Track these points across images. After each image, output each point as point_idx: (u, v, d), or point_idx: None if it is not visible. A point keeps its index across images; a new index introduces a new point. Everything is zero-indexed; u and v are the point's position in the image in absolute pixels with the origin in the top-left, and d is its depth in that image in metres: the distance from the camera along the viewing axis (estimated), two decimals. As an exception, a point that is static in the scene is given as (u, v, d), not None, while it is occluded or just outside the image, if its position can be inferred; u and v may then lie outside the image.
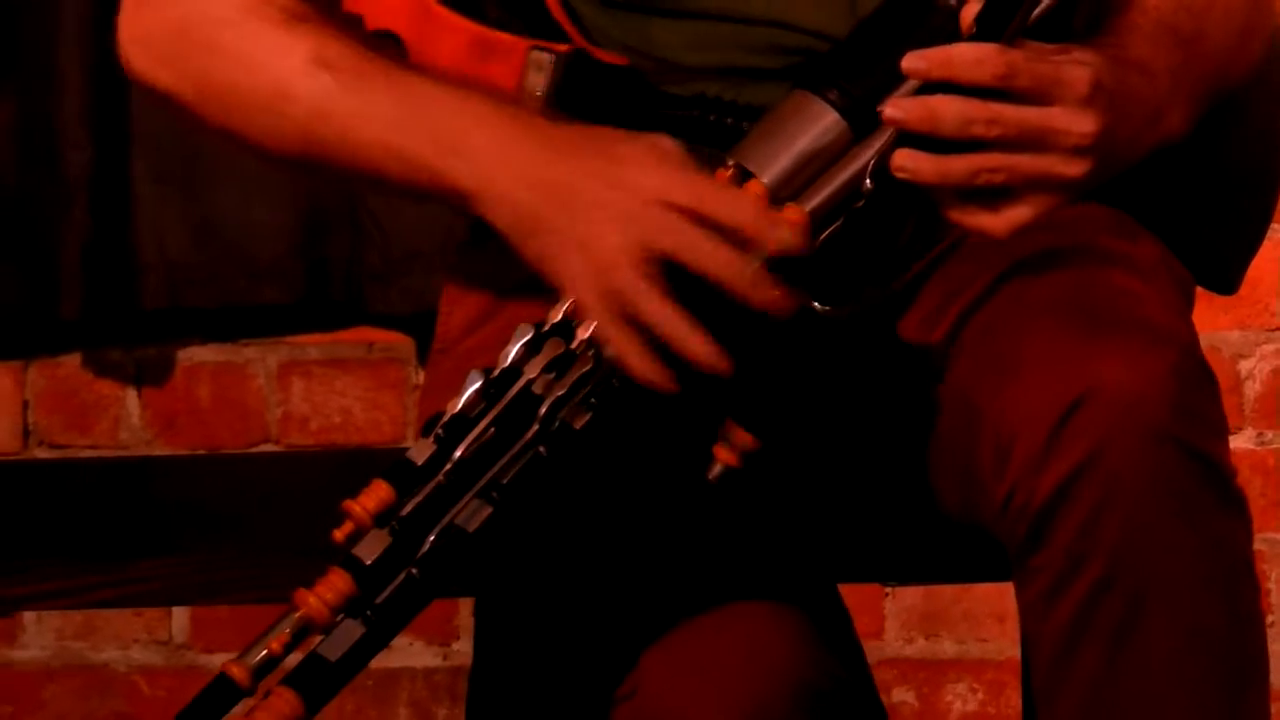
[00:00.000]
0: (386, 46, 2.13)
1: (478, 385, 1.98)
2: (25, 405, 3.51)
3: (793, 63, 2.14)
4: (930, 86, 1.98)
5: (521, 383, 1.99)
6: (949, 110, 1.97)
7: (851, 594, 3.14)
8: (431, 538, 1.95)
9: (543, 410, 1.98)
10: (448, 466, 1.97)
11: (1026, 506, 1.96)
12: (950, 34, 2.01)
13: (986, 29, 1.99)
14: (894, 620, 3.55)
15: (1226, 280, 2.35)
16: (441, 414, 1.96)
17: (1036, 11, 2.01)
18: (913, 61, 1.98)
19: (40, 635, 3.50)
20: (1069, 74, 1.99)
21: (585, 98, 2.15)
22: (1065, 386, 1.97)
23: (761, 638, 2.02)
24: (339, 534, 1.92)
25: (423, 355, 3.32)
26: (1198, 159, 2.28)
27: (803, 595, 2.08)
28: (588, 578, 2.07)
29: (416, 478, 1.96)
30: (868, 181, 1.99)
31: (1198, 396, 2.00)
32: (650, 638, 2.02)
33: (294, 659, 1.92)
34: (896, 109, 1.96)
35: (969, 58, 1.97)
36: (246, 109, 2.09)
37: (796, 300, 1.96)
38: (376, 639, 1.94)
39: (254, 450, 3.48)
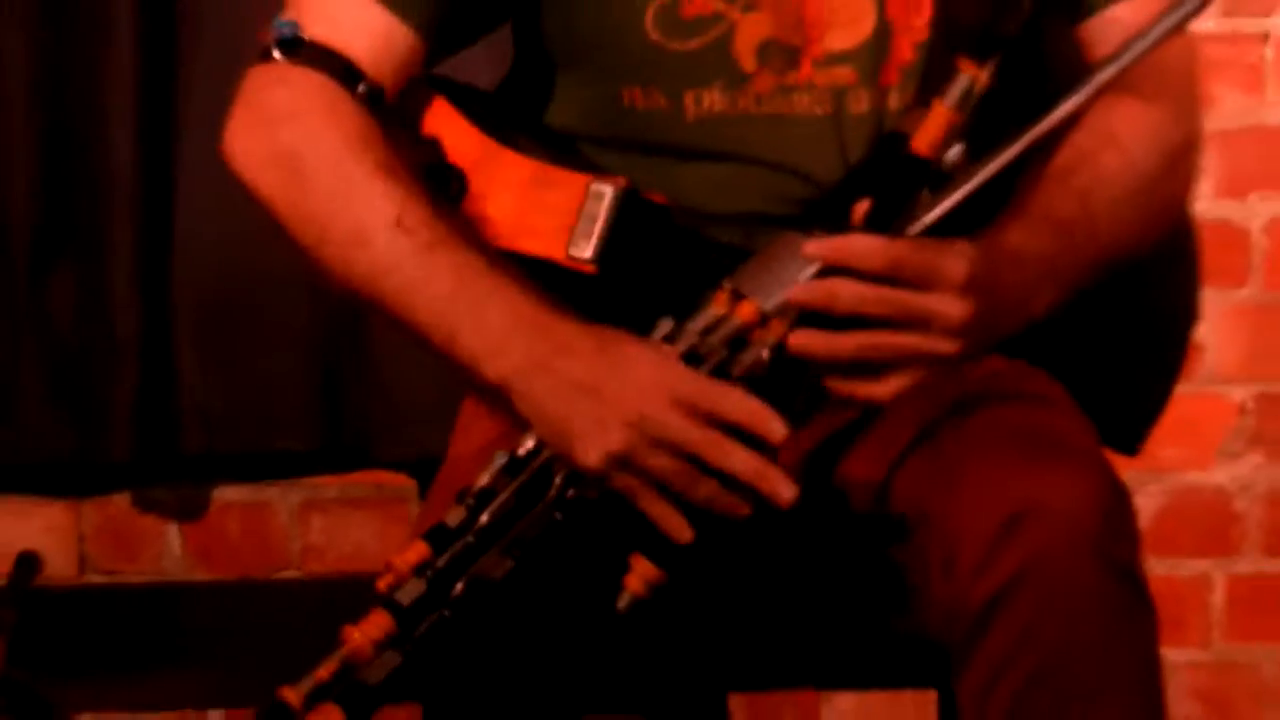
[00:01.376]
0: (447, 187, 2.22)
1: (502, 462, 2.07)
2: (80, 538, 3.53)
3: (793, 211, 2.21)
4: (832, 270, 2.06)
5: (541, 459, 2.08)
6: (845, 292, 2.05)
7: (789, 698, 3.42)
8: (460, 585, 2.04)
9: (558, 481, 2.07)
10: (476, 528, 2.06)
11: (970, 605, 2.03)
12: (922, 183, 2.11)
13: (877, 222, 2.10)
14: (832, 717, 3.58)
15: (1132, 439, 2.42)
16: (470, 486, 2.06)
17: (930, 218, 2.11)
18: (813, 249, 2.07)
19: None
20: (947, 265, 2.07)
21: (635, 229, 2.22)
22: (1006, 502, 2.03)
23: None
24: (382, 584, 2.03)
25: (423, 494, 3.16)
26: (1107, 326, 2.35)
27: (674, 710, 2.20)
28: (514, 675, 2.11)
29: (449, 538, 2.05)
30: (764, 353, 2.09)
31: (1120, 515, 2.07)
32: None
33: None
34: (801, 292, 2.06)
35: (861, 248, 2.06)
36: (326, 241, 2.15)
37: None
38: (412, 668, 2.04)
39: (278, 577, 3.50)
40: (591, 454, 2.05)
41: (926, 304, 2.06)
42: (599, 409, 2.06)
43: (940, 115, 2.09)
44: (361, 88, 2.20)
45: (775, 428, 2.05)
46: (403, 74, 2.23)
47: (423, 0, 2.23)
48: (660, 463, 2.05)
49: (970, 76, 2.09)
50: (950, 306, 2.07)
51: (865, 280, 2.06)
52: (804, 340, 2.07)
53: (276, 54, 2.22)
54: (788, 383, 2.10)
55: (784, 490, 2.04)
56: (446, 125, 2.28)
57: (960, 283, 2.07)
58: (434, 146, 2.27)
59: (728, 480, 2.05)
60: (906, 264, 2.06)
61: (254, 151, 2.21)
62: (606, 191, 2.21)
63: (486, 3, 2.29)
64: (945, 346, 2.08)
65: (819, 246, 2.07)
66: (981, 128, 2.12)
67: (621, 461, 2.05)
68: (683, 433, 2.05)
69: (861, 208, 2.10)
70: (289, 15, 2.23)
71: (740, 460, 2.04)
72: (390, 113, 2.22)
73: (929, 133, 2.09)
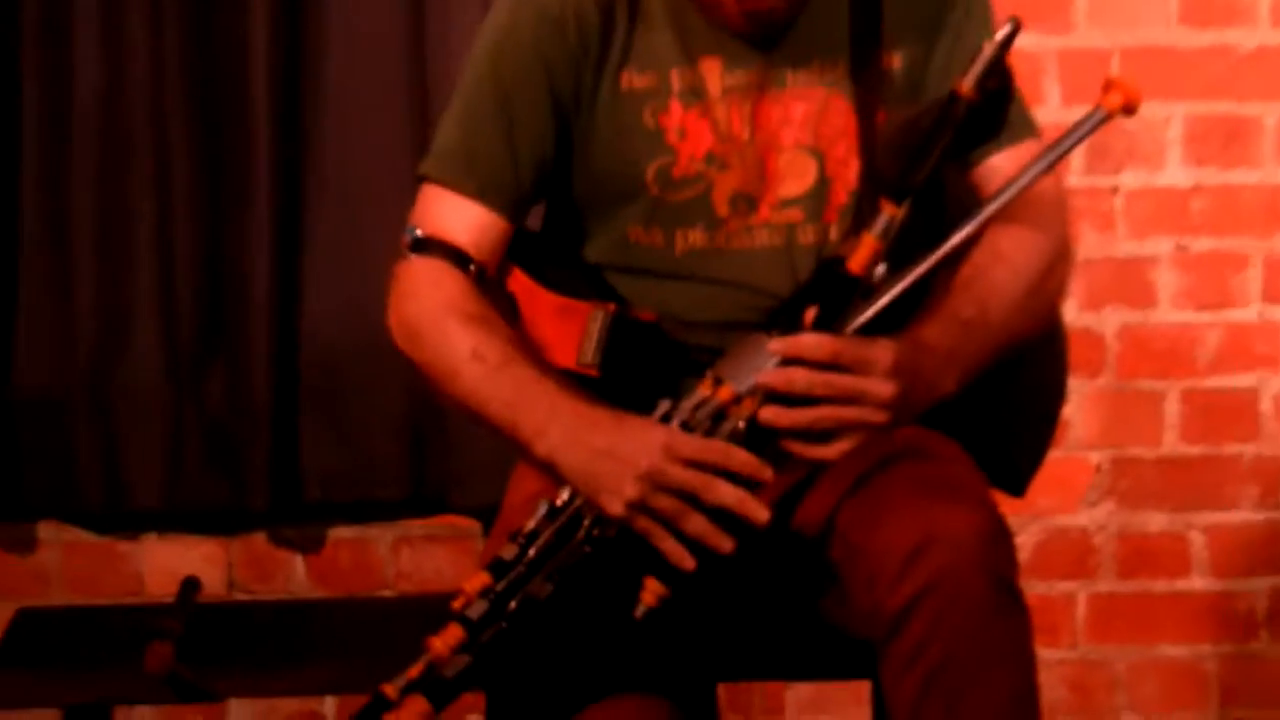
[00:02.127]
0: (513, 308, 2.26)
1: (545, 510, 2.09)
2: (229, 565, 3.49)
3: (756, 319, 2.19)
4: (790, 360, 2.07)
5: (574, 507, 2.08)
6: (799, 378, 2.06)
7: (760, 687, 3.36)
8: (514, 603, 2.06)
9: (586, 523, 2.07)
10: (525, 560, 2.07)
11: (887, 612, 2.04)
12: (856, 294, 2.08)
13: (822, 325, 2.08)
14: (792, 704, 3.49)
15: (1018, 488, 2.37)
16: (521, 528, 2.08)
17: (861, 320, 2.09)
18: (775, 346, 2.07)
19: (240, 716, 3.51)
20: (876, 355, 2.07)
21: (625, 345, 2.22)
22: (914, 535, 2.04)
23: (643, 714, 2.10)
24: (456, 604, 2.05)
25: (486, 532, 3.26)
26: (1000, 398, 2.28)
27: (678, 691, 2.14)
28: (551, 666, 2.11)
29: (505, 568, 2.07)
30: (740, 424, 2.07)
31: (1001, 541, 2.07)
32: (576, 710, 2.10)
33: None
34: (767, 378, 2.06)
35: (810, 344, 2.06)
36: (436, 375, 2.20)
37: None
38: (479, 667, 2.05)
39: (377, 595, 3.46)
40: (615, 504, 2.07)
41: (861, 385, 2.07)
42: (617, 468, 2.07)
43: (869, 244, 2.07)
44: (461, 260, 2.23)
45: (747, 463, 2.07)
46: (500, 246, 2.27)
47: (504, 191, 2.25)
48: (665, 503, 2.05)
49: (890, 214, 2.07)
50: (879, 387, 2.07)
51: (814, 368, 2.06)
52: (770, 414, 2.07)
53: (408, 252, 2.26)
54: (758, 446, 2.09)
55: (760, 513, 2.06)
56: (517, 282, 2.30)
57: (887, 369, 2.07)
58: (513, 300, 2.29)
59: (716, 515, 2.05)
60: (845, 355, 2.06)
61: (393, 324, 2.25)
62: (599, 316, 2.23)
63: (544, 180, 2.28)
64: (877, 417, 2.08)
65: (779, 344, 2.08)
66: (900, 249, 2.10)
67: (638, 506, 2.05)
68: (679, 477, 2.05)
69: (810, 314, 2.10)
70: (412, 221, 2.27)
71: (726, 493, 2.05)
72: (490, 281, 2.26)
73: (860, 257, 2.07)
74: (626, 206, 2.27)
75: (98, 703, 2.57)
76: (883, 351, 2.08)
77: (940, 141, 2.08)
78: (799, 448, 2.09)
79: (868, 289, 2.09)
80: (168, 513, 3.44)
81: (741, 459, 2.07)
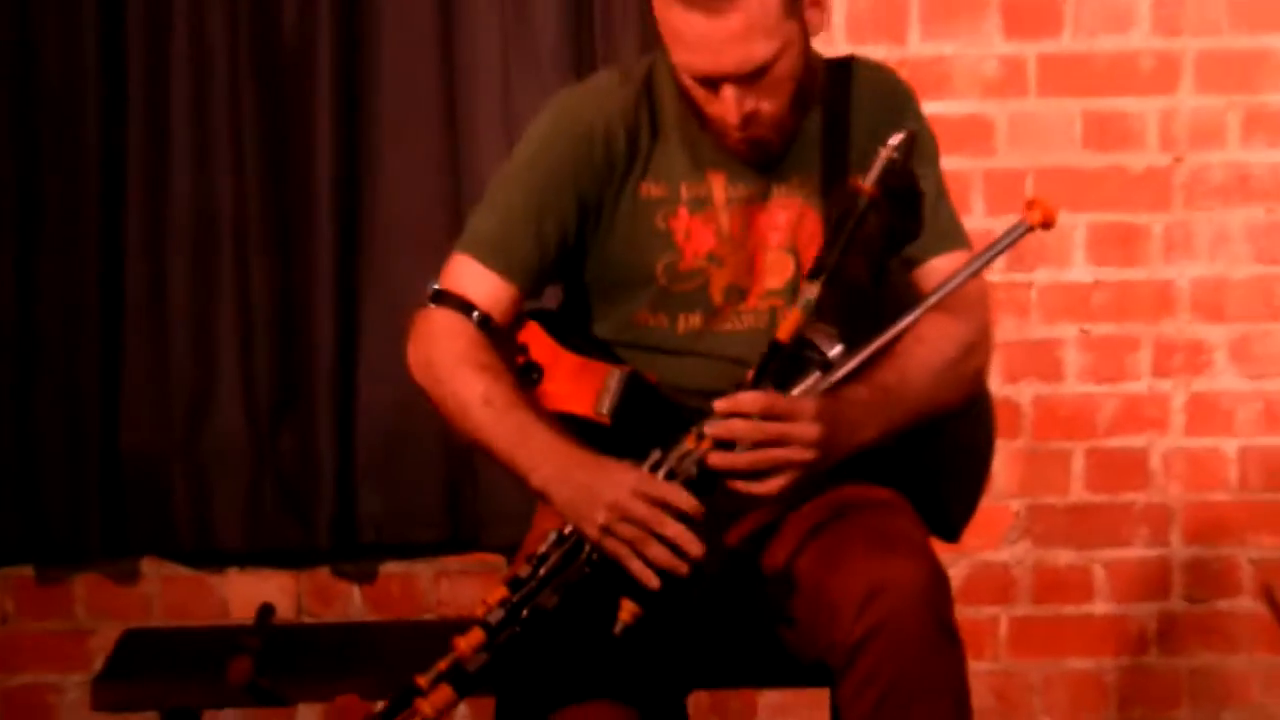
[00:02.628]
0: (531, 374, 2.22)
1: (553, 538, 2.08)
2: (299, 594, 3.47)
3: (730, 385, 2.11)
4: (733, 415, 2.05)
5: (575, 536, 2.07)
6: (739, 427, 2.05)
7: (735, 695, 3.26)
8: (526, 612, 2.05)
9: (586, 548, 2.06)
10: (536, 577, 2.06)
11: (845, 644, 2.04)
12: (815, 368, 2.06)
13: (759, 384, 2.06)
14: (764, 710, 3.45)
15: (953, 535, 2.35)
16: (534, 552, 2.08)
17: (823, 387, 2.07)
18: (719, 404, 2.05)
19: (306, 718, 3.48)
20: (802, 405, 2.05)
21: (636, 401, 2.19)
22: (868, 581, 2.03)
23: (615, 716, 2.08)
24: (479, 611, 2.06)
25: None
26: (938, 462, 2.27)
27: (645, 708, 2.10)
28: (547, 665, 2.09)
29: (519, 584, 2.07)
30: (694, 470, 2.06)
31: (940, 586, 2.07)
32: (558, 707, 2.08)
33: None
34: (712, 428, 2.05)
35: (745, 400, 2.05)
36: (450, 411, 2.17)
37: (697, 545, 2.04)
38: (496, 664, 2.05)
39: (421, 619, 3.43)
40: (590, 528, 2.06)
41: (788, 430, 2.05)
42: (591, 499, 2.06)
43: (793, 316, 2.06)
44: (476, 315, 2.20)
45: (690, 505, 2.04)
46: (510, 311, 2.24)
47: (528, 273, 2.23)
48: (627, 532, 2.04)
49: (807, 292, 2.06)
50: (805, 430, 2.05)
51: (751, 419, 2.05)
52: (716, 459, 2.06)
53: (429, 303, 2.25)
54: (709, 486, 2.07)
55: (694, 548, 2.03)
56: (534, 337, 2.27)
57: (811, 415, 2.05)
58: (525, 350, 2.25)
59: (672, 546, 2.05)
60: (776, 407, 2.05)
61: (414, 362, 2.24)
62: (616, 375, 2.21)
63: (556, 264, 2.26)
64: (805, 455, 2.06)
65: (722, 402, 2.07)
66: (855, 335, 2.10)
67: (605, 529, 2.05)
68: (637, 510, 2.04)
69: (749, 375, 2.09)
70: (437, 280, 2.25)
71: (670, 527, 2.04)
72: (499, 332, 2.23)
73: (785, 327, 2.07)
74: (637, 293, 2.26)
75: (190, 708, 2.56)
76: (807, 403, 2.06)
77: (845, 230, 2.06)
78: (742, 485, 2.07)
79: (825, 361, 2.08)
80: (248, 551, 3.44)
81: (687, 501, 2.04)
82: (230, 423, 3.39)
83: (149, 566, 3.47)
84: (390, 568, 3.49)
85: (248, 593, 3.43)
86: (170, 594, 3.47)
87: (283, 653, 2.57)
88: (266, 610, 2.76)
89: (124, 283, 3.36)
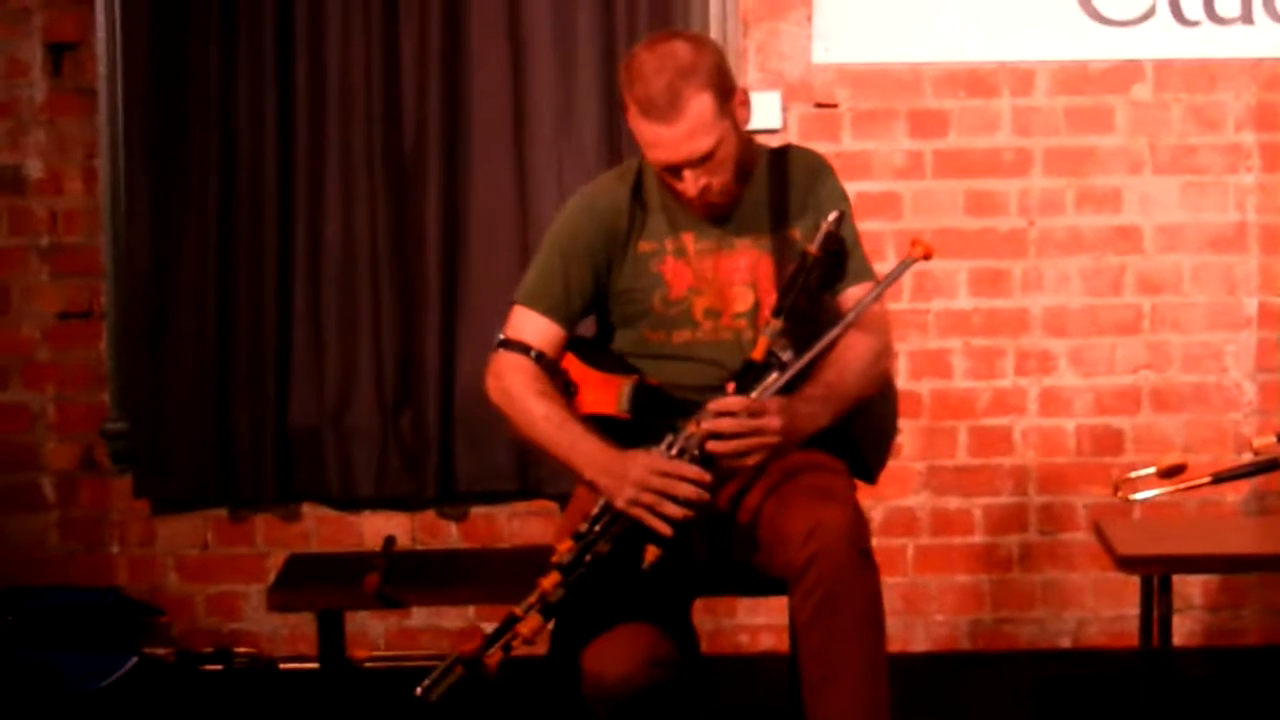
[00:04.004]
0: (570, 389, 2.16)
1: (603, 501, 2.06)
2: (413, 529, 3.41)
3: (718, 383, 2.10)
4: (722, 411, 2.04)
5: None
6: (727, 424, 2.04)
7: (720, 603, 3.16)
8: (588, 557, 2.03)
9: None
10: (594, 531, 2.04)
11: (794, 567, 2.03)
12: (761, 370, 2.02)
13: (741, 391, 2.05)
14: (741, 610, 3.41)
15: (872, 480, 2.30)
16: (590, 512, 2.05)
17: (778, 384, 2.04)
18: (712, 405, 2.04)
19: (419, 617, 3.40)
20: (768, 406, 2.04)
21: (644, 400, 2.16)
22: (809, 522, 2.03)
23: (637, 638, 2.03)
24: (554, 558, 2.02)
25: (561, 510, 2.97)
26: (862, 431, 2.24)
27: (664, 620, 2.07)
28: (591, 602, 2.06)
29: (582, 537, 2.04)
30: (696, 451, 2.04)
31: (861, 527, 2.05)
32: (596, 635, 2.04)
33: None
34: (709, 424, 2.03)
35: (731, 403, 2.04)
36: (518, 425, 2.15)
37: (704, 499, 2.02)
38: (571, 599, 2.01)
39: (500, 546, 3.36)
40: (619, 499, 2.04)
41: (759, 424, 2.03)
42: (621, 479, 2.04)
43: (763, 341, 2.05)
44: (533, 354, 2.18)
45: (698, 474, 2.03)
46: (558, 344, 2.21)
47: (561, 312, 2.20)
48: (648, 499, 2.02)
49: (773, 324, 2.05)
50: (771, 422, 2.03)
51: (736, 416, 2.03)
52: (713, 446, 2.05)
53: (499, 348, 2.21)
54: (708, 462, 2.05)
55: (703, 496, 2.02)
56: (571, 364, 2.23)
57: (775, 412, 2.04)
58: (566, 373, 2.21)
59: (681, 505, 2.02)
60: (751, 407, 2.04)
61: (492, 392, 2.20)
62: (629, 384, 2.17)
63: (586, 305, 2.23)
64: (773, 440, 2.04)
65: (715, 404, 2.04)
66: (799, 342, 2.07)
67: (632, 501, 2.02)
68: (656, 482, 2.02)
69: (731, 386, 2.07)
70: (503, 328, 2.21)
71: (684, 489, 2.02)
72: (551, 364, 2.20)
73: (759, 350, 2.06)
74: (642, 318, 2.23)
75: (336, 610, 2.53)
76: (772, 404, 2.04)
77: (799, 281, 2.06)
78: (729, 462, 2.06)
79: (782, 364, 2.04)
80: (377, 497, 3.38)
81: (694, 472, 2.02)
82: (366, 405, 3.34)
83: (307, 509, 3.43)
84: (478, 510, 3.45)
85: (377, 528, 3.38)
86: (323, 529, 3.43)
87: (401, 571, 2.52)
88: (390, 541, 2.70)
89: (292, 302, 3.33)
